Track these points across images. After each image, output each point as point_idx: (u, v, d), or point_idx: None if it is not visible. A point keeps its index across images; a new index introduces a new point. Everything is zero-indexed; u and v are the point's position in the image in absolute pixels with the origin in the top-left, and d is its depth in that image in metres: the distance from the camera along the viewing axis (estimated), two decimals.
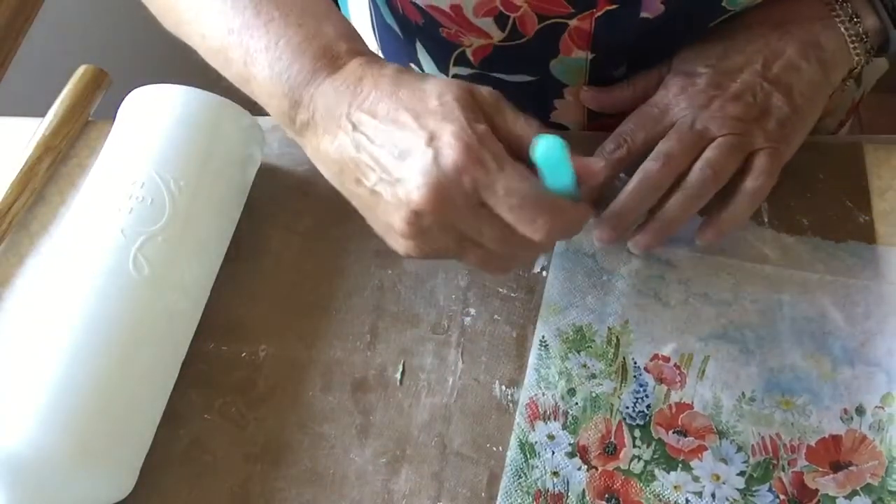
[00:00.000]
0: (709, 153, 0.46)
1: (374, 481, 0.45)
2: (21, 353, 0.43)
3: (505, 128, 0.39)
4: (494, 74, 0.56)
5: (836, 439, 0.44)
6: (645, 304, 0.49)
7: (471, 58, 0.55)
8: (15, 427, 0.40)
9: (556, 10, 0.48)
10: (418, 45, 0.59)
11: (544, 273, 0.50)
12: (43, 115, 0.57)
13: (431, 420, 0.46)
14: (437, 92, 0.38)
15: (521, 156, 0.38)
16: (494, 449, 0.45)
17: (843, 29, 0.49)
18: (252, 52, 0.42)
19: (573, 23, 0.49)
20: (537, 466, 0.44)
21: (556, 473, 0.44)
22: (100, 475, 0.42)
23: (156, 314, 0.45)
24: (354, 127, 0.39)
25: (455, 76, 0.58)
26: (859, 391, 0.45)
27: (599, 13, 0.48)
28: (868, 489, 0.43)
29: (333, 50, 0.41)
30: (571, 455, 0.44)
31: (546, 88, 0.56)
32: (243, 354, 0.49)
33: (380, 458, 0.45)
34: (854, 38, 0.49)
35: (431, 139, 0.37)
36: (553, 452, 0.45)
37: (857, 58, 0.49)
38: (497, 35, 0.51)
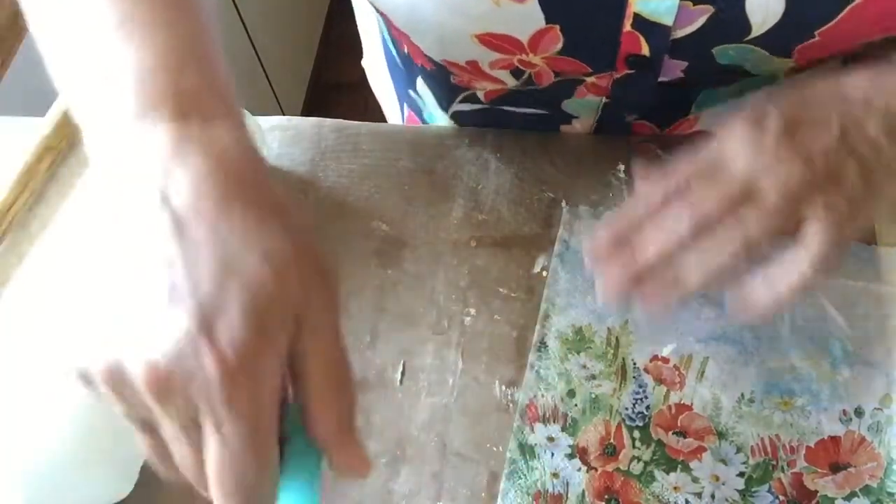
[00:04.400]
0: (749, 221, 0.39)
1: (374, 481, 0.45)
2: (20, 354, 0.43)
3: (306, 346, 0.30)
4: (504, 108, 0.56)
5: (834, 440, 0.44)
6: None
7: (482, 97, 0.54)
8: (15, 428, 0.40)
9: (574, 70, 0.47)
10: (419, 80, 0.58)
11: (544, 273, 0.50)
12: (43, 115, 0.57)
13: (431, 420, 0.46)
14: (263, 250, 0.29)
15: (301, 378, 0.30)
16: (494, 449, 0.45)
17: None
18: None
19: (590, 79, 0.48)
20: (537, 468, 0.44)
21: (555, 475, 0.44)
22: (100, 475, 0.42)
23: None
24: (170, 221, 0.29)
25: (457, 112, 0.57)
26: (858, 392, 0.45)
27: (618, 76, 0.47)
28: (867, 490, 0.43)
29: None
30: (571, 456, 0.45)
31: (555, 118, 0.56)
32: None
33: (380, 458, 0.45)
34: None
35: (204, 321, 0.27)
36: (553, 454, 0.45)
37: None
38: (512, 83, 0.50)
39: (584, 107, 0.53)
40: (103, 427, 0.42)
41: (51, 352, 0.42)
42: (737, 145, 0.40)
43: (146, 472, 0.45)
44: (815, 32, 0.41)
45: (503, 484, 0.44)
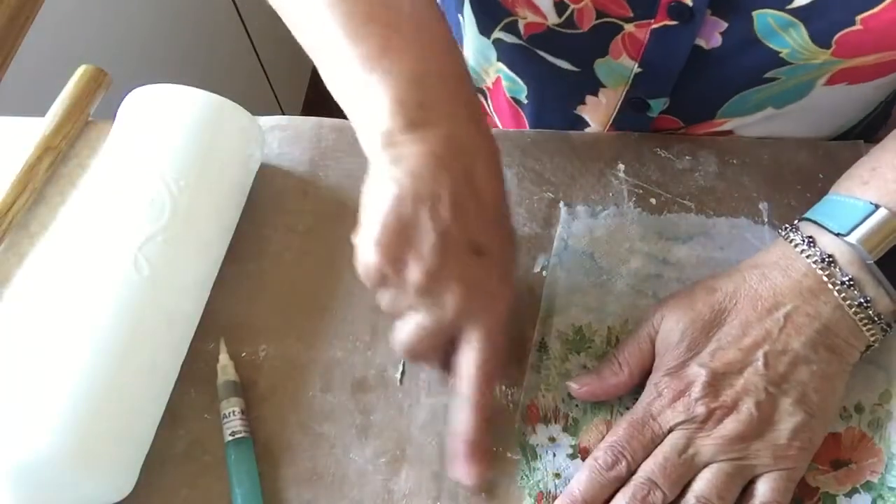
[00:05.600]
0: (700, 484, 0.41)
1: (374, 481, 0.45)
2: (21, 354, 0.43)
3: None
4: (539, 52, 0.55)
5: (835, 437, 0.44)
6: (644, 304, 0.49)
7: (521, 30, 0.54)
8: (15, 428, 0.40)
9: (617, 12, 0.47)
10: (467, 1, 0.58)
11: (544, 273, 0.50)
12: (43, 115, 0.57)
13: (431, 420, 0.46)
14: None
15: None
16: (495, 449, 0.45)
17: (851, 313, 0.42)
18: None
19: (629, 27, 0.48)
20: (539, 468, 0.44)
21: (557, 475, 0.44)
22: (100, 475, 0.42)
23: (156, 314, 0.45)
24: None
25: (497, 41, 0.58)
26: (858, 389, 0.45)
27: (657, 25, 0.47)
28: (868, 486, 0.43)
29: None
30: (573, 457, 0.44)
31: (584, 82, 0.55)
32: (243, 354, 0.49)
33: (380, 458, 0.45)
34: (866, 321, 0.43)
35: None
36: (554, 454, 0.45)
37: (872, 338, 0.43)
38: (553, 19, 0.50)
39: (615, 74, 0.53)
40: (103, 427, 0.42)
41: (50, 351, 0.42)
42: (668, 407, 0.42)
43: (146, 472, 0.45)
44: (857, 18, 0.41)
45: (504, 485, 0.44)
